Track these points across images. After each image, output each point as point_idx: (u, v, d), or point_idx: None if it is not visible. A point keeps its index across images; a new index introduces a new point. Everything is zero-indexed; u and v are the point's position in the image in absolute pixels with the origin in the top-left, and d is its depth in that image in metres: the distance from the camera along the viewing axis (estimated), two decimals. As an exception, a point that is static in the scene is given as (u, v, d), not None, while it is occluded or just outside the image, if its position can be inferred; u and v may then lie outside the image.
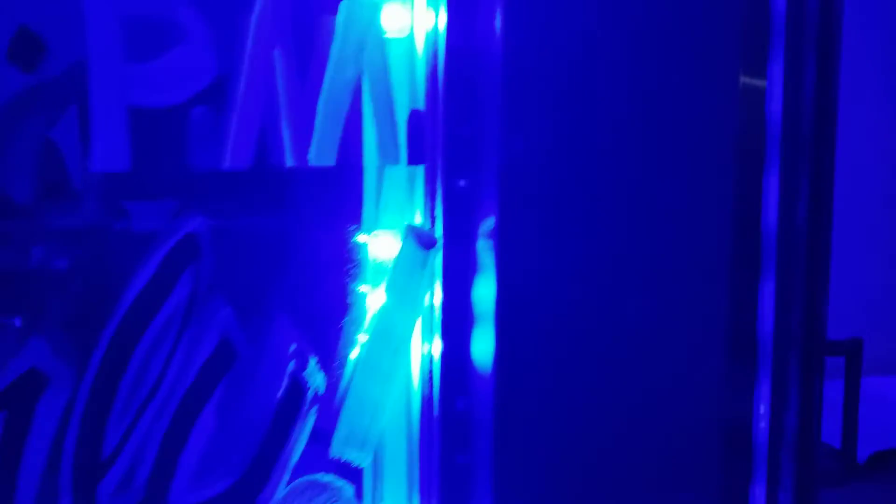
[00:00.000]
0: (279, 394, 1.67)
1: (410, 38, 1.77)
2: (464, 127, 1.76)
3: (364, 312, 1.74)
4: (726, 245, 1.89)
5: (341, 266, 1.74)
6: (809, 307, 2.67)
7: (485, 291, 1.72)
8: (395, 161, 1.73)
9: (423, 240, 1.75)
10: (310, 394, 1.68)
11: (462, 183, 1.78)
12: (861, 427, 2.99)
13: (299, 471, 1.71)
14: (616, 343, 1.76)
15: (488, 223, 1.71)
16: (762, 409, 2.53)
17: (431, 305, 1.79)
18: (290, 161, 1.64)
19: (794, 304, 2.61)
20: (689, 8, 1.79)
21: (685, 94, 1.82)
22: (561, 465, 1.73)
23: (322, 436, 1.71)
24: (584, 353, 1.73)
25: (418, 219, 1.79)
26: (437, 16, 1.76)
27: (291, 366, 1.68)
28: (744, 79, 1.91)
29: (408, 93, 1.77)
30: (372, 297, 1.75)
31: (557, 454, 1.73)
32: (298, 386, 1.68)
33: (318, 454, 1.71)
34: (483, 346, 1.74)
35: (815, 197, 2.57)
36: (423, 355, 1.78)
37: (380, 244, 1.77)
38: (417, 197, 1.79)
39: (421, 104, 1.76)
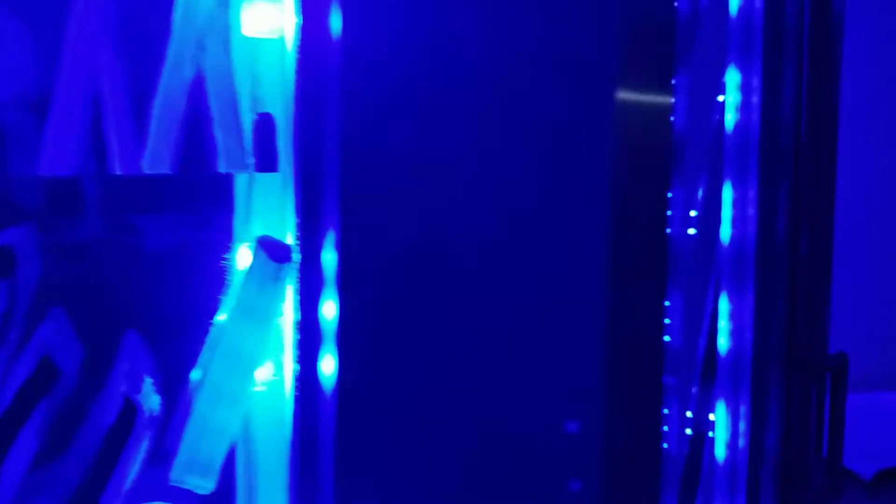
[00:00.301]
0: (111, 416, 1.57)
1: (281, 40, 1.65)
2: (315, 133, 1.64)
3: (213, 330, 1.63)
4: (601, 254, 1.71)
5: (191, 280, 1.63)
6: (790, 324, 2.48)
7: (331, 308, 1.60)
8: (242, 168, 1.60)
9: (275, 252, 1.62)
10: (145, 416, 1.58)
11: (317, 191, 1.65)
12: (868, 444, 2.80)
13: (137, 497, 1.61)
14: (469, 363, 1.62)
15: (331, 235, 1.58)
16: (741, 427, 2.36)
17: (294, 323, 1.67)
18: (119, 168, 1.53)
19: (773, 320, 2.42)
20: (557, 27, 1.65)
21: (549, 104, 1.67)
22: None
23: (162, 460, 1.61)
24: (434, 376, 1.59)
25: (279, 230, 1.67)
26: (296, 17, 1.64)
27: (126, 386, 1.58)
28: (624, 94, 1.74)
29: (278, 96, 1.65)
30: (222, 314, 1.64)
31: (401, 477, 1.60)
32: (132, 408, 1.58)
33: (159, 479, 1.61)
34: (330, 365, 1.62)
35: (793, 213, 2.37)
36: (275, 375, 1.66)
37: (242, 257, 1.66)
38: (282, 206, 1.67)
39: (278, 108, 1.63)
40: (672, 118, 2.05)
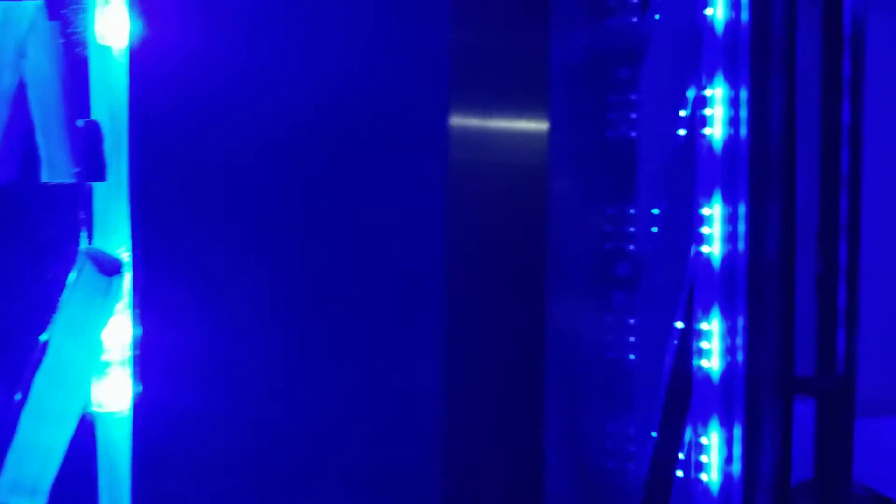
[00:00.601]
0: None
1: (110, 48, 1.61)
2: (147, 142, 1.58)
3: (39, 347, 1.58)
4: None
5: (15, 295, 1.58)
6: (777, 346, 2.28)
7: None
8: (66, 177, 1.56)
9: (104, 265, 1.56)
10: (-38, 437, 1.54)
11: (149, 202, 1.58)
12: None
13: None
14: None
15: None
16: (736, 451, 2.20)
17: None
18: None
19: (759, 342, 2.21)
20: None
21: (379, 116, 1.56)
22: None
23: (-10, 482, 1.56)
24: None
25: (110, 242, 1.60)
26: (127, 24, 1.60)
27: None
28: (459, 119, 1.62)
29: (106, 104, 1.60)
30: (49, 330, 1.58)
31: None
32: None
33: (-16, 501, 1.56)
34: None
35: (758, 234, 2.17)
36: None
37: (70, 271, 1.60)
38: (114, 217, 1.61)
39: (105, 116, 1.58)
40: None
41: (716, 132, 2.22)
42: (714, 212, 2.23)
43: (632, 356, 2.30)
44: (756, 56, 2.21)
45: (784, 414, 2.31)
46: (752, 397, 2.25)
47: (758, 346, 2.26)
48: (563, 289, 2.13)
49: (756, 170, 2.22)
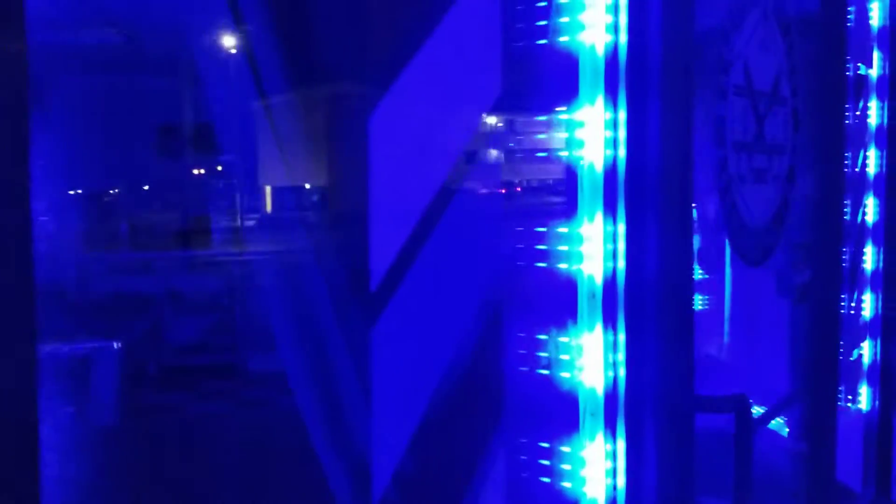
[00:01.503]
0: None
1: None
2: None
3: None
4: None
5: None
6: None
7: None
8: None
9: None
10: None
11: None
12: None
13: None
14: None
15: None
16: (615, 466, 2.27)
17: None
18: None
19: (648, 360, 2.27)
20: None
21: None
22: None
23: None
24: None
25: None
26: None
27: None
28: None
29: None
30: None
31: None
32: None
33: None
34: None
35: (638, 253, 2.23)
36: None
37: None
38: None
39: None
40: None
41: (594, 153, 2.27)
42: (593, 230, 2.29)
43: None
44: (632, 78, 2.26)
45: (672, 431, 2.34)
46: (633, 414, 2.30)
47: (639, 364, 2.31)
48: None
49: (633, 189, 2.27)
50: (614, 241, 2.30)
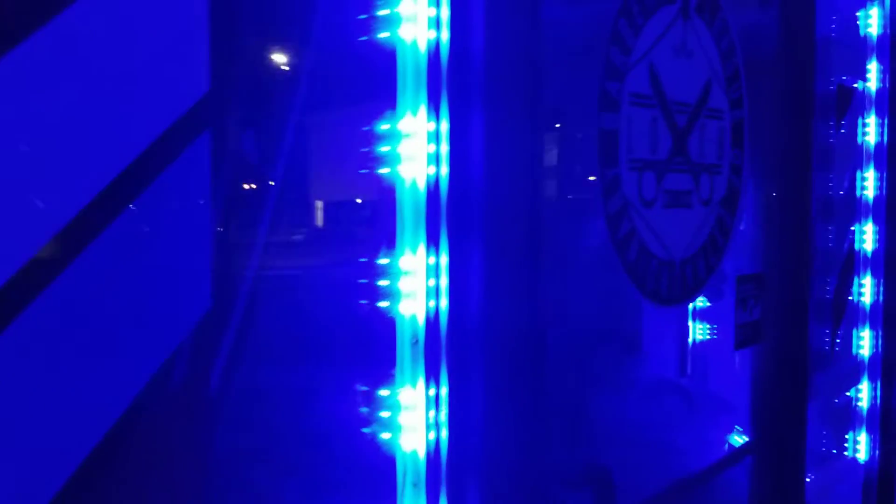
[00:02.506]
0: None
1: None
2: None
3: None
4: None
5: None
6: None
7: None
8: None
9: None
10: None
11: None
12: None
13: None
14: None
15: None
16: None
17: None
18: None
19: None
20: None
21: None
22: None
23: None
24: None
25: None
26: None
27: None
28: None
29: None
30: None
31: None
32: None
33: None
34: None
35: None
36: None
37: None
38: None
39: None
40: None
41: (415, 171, 1.91)
42: (416, 261, 1.92)
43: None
44: (455, 82, 1.89)
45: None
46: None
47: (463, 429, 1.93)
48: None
49: (456, 214, 1.90)
50: (436, 275, 1.93)
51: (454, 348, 1.94)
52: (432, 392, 1.95)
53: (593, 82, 2.29)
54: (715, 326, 3.11)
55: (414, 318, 1.94)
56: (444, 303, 1.94)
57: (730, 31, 2.89)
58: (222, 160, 1.53)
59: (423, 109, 1.91)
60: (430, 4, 1.91)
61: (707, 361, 3.09)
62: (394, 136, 1.93)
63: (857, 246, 4.51)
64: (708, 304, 3.06)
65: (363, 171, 1.93)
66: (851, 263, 4.33)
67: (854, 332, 4.57)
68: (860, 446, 4.62)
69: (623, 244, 2.43)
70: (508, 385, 1.98)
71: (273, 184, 1.67)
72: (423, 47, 1.91)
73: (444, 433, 1.95)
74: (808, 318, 3.45)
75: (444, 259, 1.93)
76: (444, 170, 1.92)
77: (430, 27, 1.91)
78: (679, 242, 2.69)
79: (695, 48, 2.72)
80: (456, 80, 1.90)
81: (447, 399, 1.94)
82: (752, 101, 3.07)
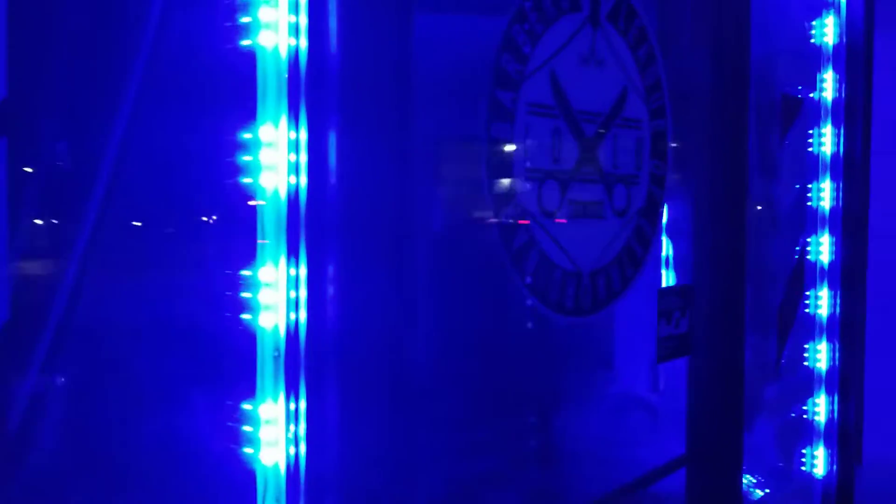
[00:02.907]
0: None
1: None
2: None
3: None
4: None
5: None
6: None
7: None
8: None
9: None
10: None
11: None
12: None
13: None
14: None
15: None
16: None
17: None
18: None
19: None
20: None
21: None
22: None
23: None
24: None
25: None
26: None
27: None
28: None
29: None
30: None
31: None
32: None
33: None
34: None
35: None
36: None
37: None
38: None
39: None
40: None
41: (275, 181, 1.88)
42: (277, 273, 1.88)
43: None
44: (314, 89, 1.86)
45: None
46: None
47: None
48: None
49: (314, 225, 1.86)
50: (297, 287, 1.90)
51: (312, 361, 1.90)
52: (293, 406, 1.91)
53: (482, 91, 2.25)
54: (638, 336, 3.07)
55: (276, 330, 1.91)
56: (303, 315, 1.90)
57: (649, 39, 2.84)
58: (26, 169, 1.50)
59: (283, 118, 1.88)
60: (290, 11, 1.88)
61: (624, 372, 3.05)
62: (255, 145, 1.90)
63: (812, 257, 4.46)
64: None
65: (226, 180, 1.90)
66: (801, 274, 4.27)
67: (811, 344, 4.51)
68: (818, 461, 4.55)
69: (519, 255, 2.39)
70: (365, 399, 1.94)
71: (97, 191, 1.64)
72: (283, 54, 1.88)
73: (303, 448, 1.91)
74: (744, 330, 3.39)
75: (304, 270, 1.89)
76: (304, 179, 1.89)
77: (290, 34, 1.89)
78: (588, 253, 2.65)
79: (606, 57, 2.68)
80: (314, 88, 1.87)
81: (305, 413, 1.90)
82: (678, 110, 3.03)
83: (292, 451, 1.91)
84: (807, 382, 4.44)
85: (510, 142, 2.34)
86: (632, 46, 2.78)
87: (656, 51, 2.88)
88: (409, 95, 1.95)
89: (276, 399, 1.91)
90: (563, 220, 2.54)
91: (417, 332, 2.05)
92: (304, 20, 1.87)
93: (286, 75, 1.87)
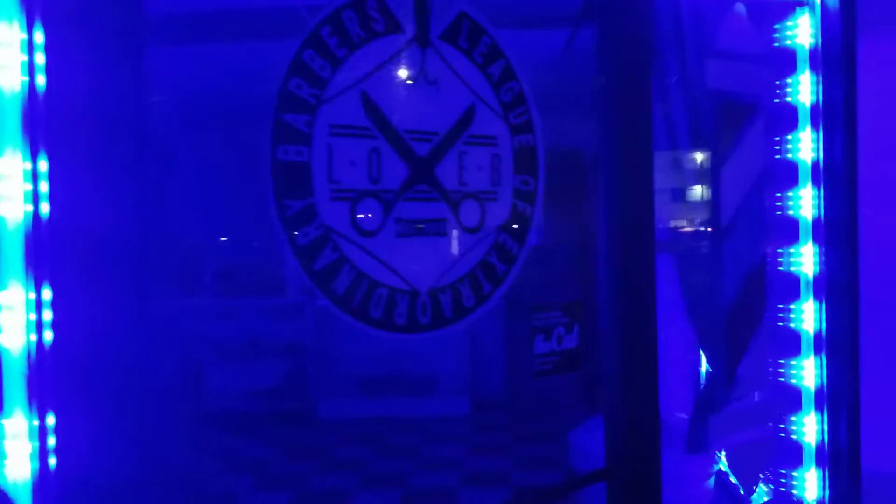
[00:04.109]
0: None
1: None
2: None
3: None
4: None
5: None
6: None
7: None
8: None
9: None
10: None
11: None
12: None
13: None
14: None
15: None
16: None
17: None
18: None
19: None
20: None
21: None
22: None
23: None
24: None
25: None
26: None
27: None
28: None
29: None
30: None
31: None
32: None
33: None
34: None
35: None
36: None
37: None
38: None
39: None
40: None
41: (12, 209, 2.01)
42: (15, 296, 2.01)
43: None
44: (56, 124, 1.98)
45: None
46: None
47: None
48: None
49: (59, 251, 1.98)
50: (39, 310, 2.02)
51: (60, 378, 2.02)
52: (35, 422, 2.03)
53: (266, 115, 2.32)
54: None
55: (21, 350, 2.04)
56: (48, 335, 2.02)
57: (504, 55, 2.84)
58: None
59: (18, 150, 2.02)
60: (22, 51, 2.02)
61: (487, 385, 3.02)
62: (-7, 176, 2.05)
63: (788, 268, 4.27)
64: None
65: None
66: (762, 285, 4.10)
67: (796, 360, 4.30)
68: (808, 484, 4.32)
69: (325, 274, 2.44)
70: (109, 415, 2.04)
71: None
72: (17, 90, 2.02)
73: (53, 461, 2.02)
74: (656, 343, 3.29)
75: (48, 293, 2.02)
76: (45, 207, 2.02)
77: (23, 73, 2.02)
78: (427, 271, 2.66)
79: (442, 76, 2.69)
80: (51, 121, 2.00)
81: (53, 428, 2.02)
82: (556, 125, 3.00)
83: (37, 465, 2.03)
84: (782, 399, 4.24)
85: (307, 163, 2.39)
86: (480, 65, 2.78)
87: (514, 67, 2.87)
88: (137, 125, 2.05)
89: (22, 414, 2.04)
90: (389, 239, 2.57)
91: (164, 346, 2.13)
92: (41, 59, 2.01)
93: (20, 110, 2.01)
